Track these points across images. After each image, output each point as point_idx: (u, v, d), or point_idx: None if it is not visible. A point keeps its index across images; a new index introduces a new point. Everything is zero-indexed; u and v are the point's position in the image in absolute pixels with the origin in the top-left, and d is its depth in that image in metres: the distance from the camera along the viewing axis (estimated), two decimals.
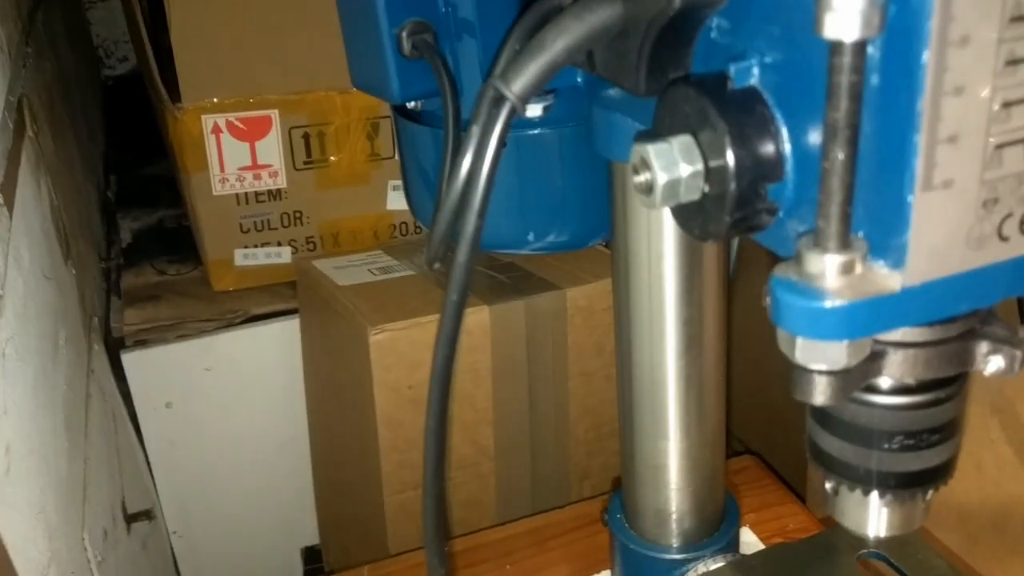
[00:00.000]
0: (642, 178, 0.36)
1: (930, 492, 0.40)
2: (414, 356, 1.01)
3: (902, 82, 0.30)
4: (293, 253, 1.25)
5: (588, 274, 1.07)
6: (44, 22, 1.33)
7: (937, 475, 0.39)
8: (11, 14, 1.11)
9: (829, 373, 0.34)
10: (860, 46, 0.29)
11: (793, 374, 0.34)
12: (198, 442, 1.27)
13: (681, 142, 0.36)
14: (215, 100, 1.15)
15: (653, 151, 0.36)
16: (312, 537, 1.36)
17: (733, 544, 0.61)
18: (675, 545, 0.60)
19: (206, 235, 1.22)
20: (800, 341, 0.33)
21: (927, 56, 0.29)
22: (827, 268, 0.32)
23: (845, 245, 0.32)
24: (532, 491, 1.11)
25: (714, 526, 0.60)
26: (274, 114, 1.17)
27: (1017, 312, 0.65)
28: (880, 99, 0.31)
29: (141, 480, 1.24)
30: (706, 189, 0.36)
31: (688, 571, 0.58)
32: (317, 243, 1.25)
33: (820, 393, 0.34)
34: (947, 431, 0.38)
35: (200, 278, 1.28)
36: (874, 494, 0.40)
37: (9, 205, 0.87)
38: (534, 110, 0.51)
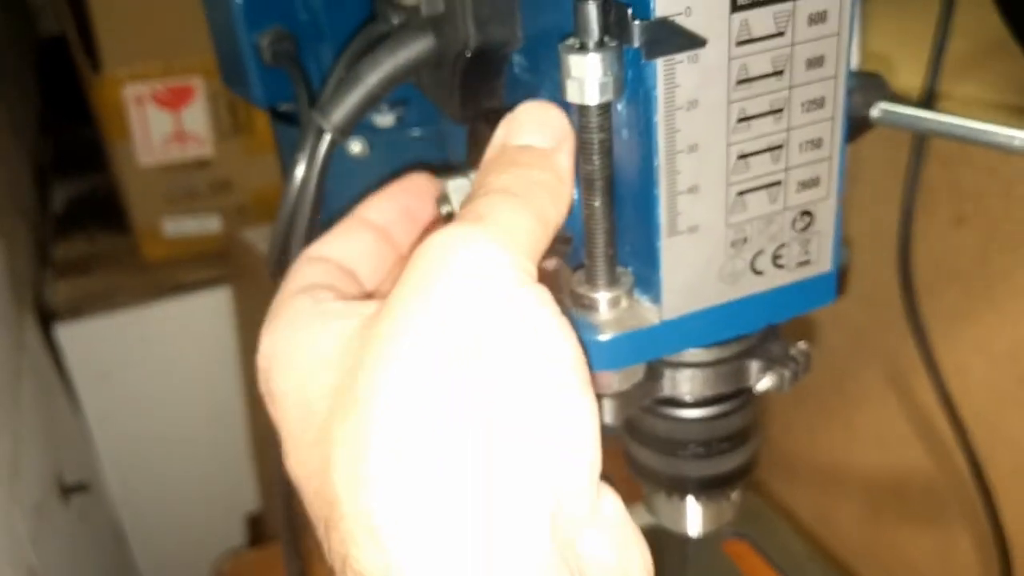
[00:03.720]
0: (444, 209, 0.40)
1: (734, 492, 0.44)
2: None
3: (641, 141, 0.33)
4: (222, 222, 1.28)
5: None
6: None
7: (734, 477, 0.43)
8: None
9: (608, 396, 0.38)
10: (603, 107, 0.33)
11: None
12: (137, 411, 1.32)
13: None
14: (138, 68, 1.18)
15: (451, 187, 0.40)
16: (253, 502, 1.41)
17: None
18: None
19: (133, 205, 1.26)
20: None
21: (657, 119, 0.33)
22: (597, 303, 0.36)
23: (612, 282, 0.36)
24: None
25: None
26: (198, 81, 1.20)
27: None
28: (628, 153, 0.34)
29: (80, 453, 1.29)
30: None
31: None
32: (247, 211, 1.29)
33: (606, 415, 0.39)
34: (738, 439, 0.43)
35: (131, 247, 1.32)
36: (685, 497, 0.44)
37: None
38: (386, 120, 0.55)
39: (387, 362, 0.29)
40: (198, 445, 1.36)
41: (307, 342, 0.33)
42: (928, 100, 0.70)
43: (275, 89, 0.57)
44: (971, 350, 0.72)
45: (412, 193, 0.41)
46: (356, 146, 0.56)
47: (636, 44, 0.31)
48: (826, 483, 0.92)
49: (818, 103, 0.35)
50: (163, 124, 1.21)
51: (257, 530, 1.41)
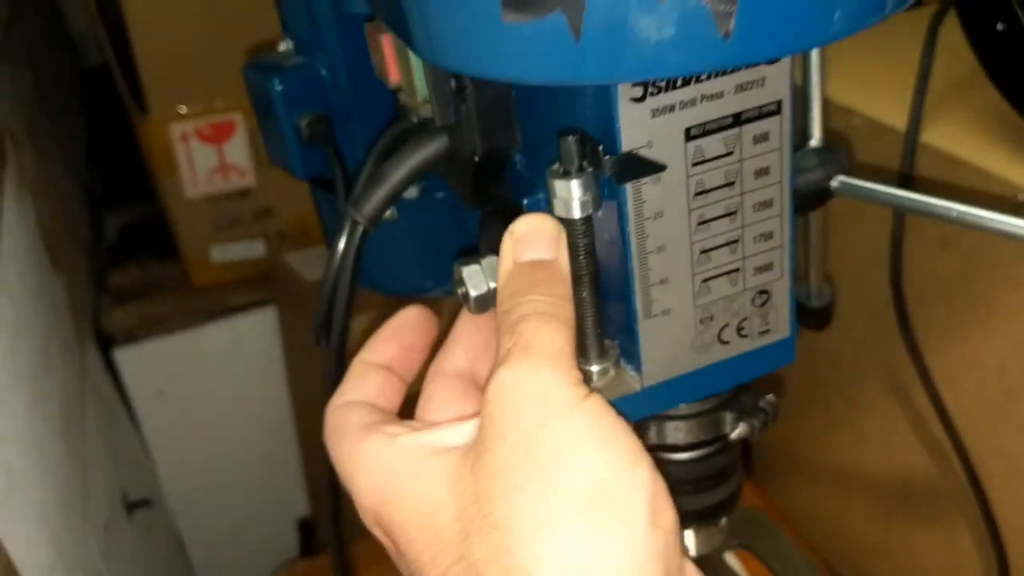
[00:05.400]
0: (461, 290, 0.48)
1: (722, 520, 0.52)
2: None
3: (617, 245, 0.41)
4: (267, 246, 1.37)
5: None
6: (20, 35, 1.44)
7: (720, 508, 0.51)
8: None
9: None
10: (585, 220, 0.41)
11: None
12: (192, 427, 1.41)
13: (489, 263, 0.47)
14: (182, 109, 1.26)
15: (466, 272, 0.47)
16: (305, 508, 1.50)
17: None
18: None
19: (182, 235, 1.35)
20: None
21: (630, 228, 0.40)
22: (591, 375, 0.44)
23: (601, 355, 0.44)
24: None
25: None
26: (238, 117, 1.28)
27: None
28: (608, 254, 0.42)
29: (141, 469, 1.38)
30: None
31: None
32: (288, 236, 1.37)
33: None
34: (721, 477, 0.50)
35: (181, 274, 1.41)
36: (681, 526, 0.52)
37: None
38: (411, 193, 0.62)
39: (506, 491, 0.37)
40: (250, 456, 1.45)
41: (412, 478, 0.40)
42: (912, 133, 0.77)
43: (313, 164, 0.65)
44: (961, 364, 0.79)
45: (405, 331, 0.50)
46: (387, 213, 0.63)
47: (607, 173, 0.38)
48: (838, 486, 0.99)
49: (767, 204, 0.42)
50: (207, 158, 1.30)
51: (309, 534, 1.50)
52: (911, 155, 0.77)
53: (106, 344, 1.35)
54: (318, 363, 1.29)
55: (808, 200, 0.50)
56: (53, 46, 1.74)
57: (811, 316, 0.66)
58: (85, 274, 1.41)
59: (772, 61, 0.38)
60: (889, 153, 0.79)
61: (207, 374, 1.39)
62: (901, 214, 0.77)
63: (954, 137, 0.76)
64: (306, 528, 1.51)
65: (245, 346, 1.39)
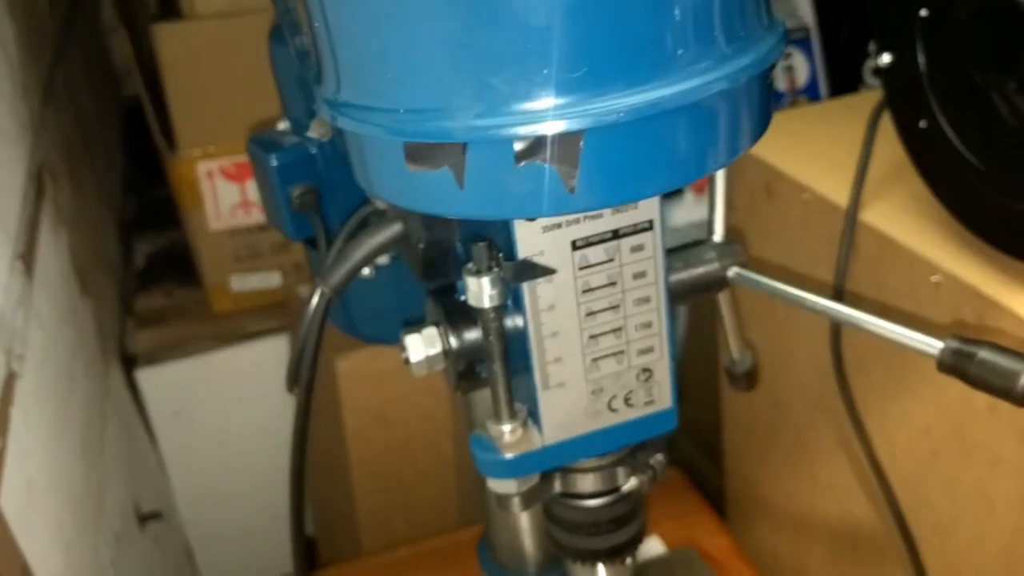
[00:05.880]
0: (403, 356, 0.58)
1: (628, 559, 0.61)
2: (376, 380, 1.23)
3: (520, 329, 0.50)
4: (283, 277, 1.48)
5: None
6: (64, 72, 1.56)
7: (624, 548, 0.60)
8: (33, 84, 1.33)
9: (514, 495, 0.55)
10: (496, 308, 0.50)
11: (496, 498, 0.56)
12: (206, 446, 1.52)
13: (428, 333, 0.57)
14: (209, 148, 1.38)
15: (408, 340, 0.57)
16: (309, 528, 1.60)
17: None
18: (529, 572, 0.82)
19: (205, 264, 1.46)
20: (489, 480, 0.54)
21: (528, 316, 0.50)
22: (500, 433, 0.53)
23: (511, 416, 0.53)
24: None
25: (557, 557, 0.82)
26: None
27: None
28: (514, 335, 0.51)
29: (155, 483, 1.49)
30: (445, 363, 0.57)
31: None
32: (303, 269, 1.48)
33: (514, 507, 0.56)
34: (623, 520, 0.59)
35: (202, 300, 1.52)
36: (587, 563, 0.61)
37: (29, 270, 1.10)
38: (383, 260, 0.72)
39: None
40: (259, 476, 1.55)
41: None
42: (852, 217, 0.85)
43: (301, 228, 0.75)
44: (895, 425, 0.87)
45: None
46: (365, 271, 0.73)
47: (507, 276, 0.48)
48: (797, 530, 1.08)
49: (645, 299, 0.51)
50: (230, 194, 1.41)
51: (312, 552, 1.60)
52: (850, 231, 0.86)
53: (129, 364, 1.46)
54: (325, 394, 1.39)
55: (709, 286, 0.60)
56: (95, 79, 1.87)
57: (738, 380, 0.75)
58: (113, 298, 1.52)
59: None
60: (833, 228, 0.88)
61: (222, 396, 1.49)
62: (840, 283, 0.86)
63: (890, 216, 0.85)
64: (309, 546, 1.62)
65: (259, 370, 1.49)
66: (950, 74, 0.74)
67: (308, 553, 1.60)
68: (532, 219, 0.46)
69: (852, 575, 1.00)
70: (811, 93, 1.32)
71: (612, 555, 0.60)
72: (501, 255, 0.48)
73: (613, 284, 0.50)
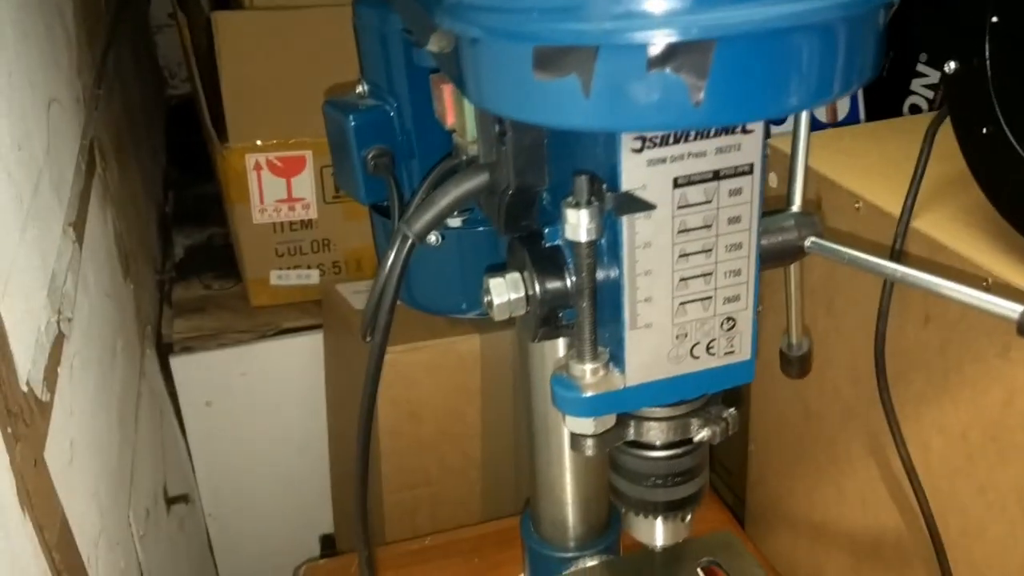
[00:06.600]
0: (487, 299, 0.58)
1: (688, 515, 0.61)
2: (412, 375, 1.23)
3: (613, 265, 0.51)
4: (321, 276, 1.48)
5: None
6: (115, 59, 1.58)
7: (687, 503, 0.60)
8: (87, 63, 1.35)
9: (589, 436, 0.55)
10: (590, 243, 0.51)
11: (571, 438, 0.56)
12: (233, 437, 1.52)
13: (512, 277, 0.57)
14: (258, 142, 1.39)
15: (492, 283, 0.57)
16: (329, 526, 1.60)
17: (614, 547, 0.82)
18: (569, 546, 0.81)
19: (246, 257, 1.46)
20: (568, 418, 0.54)
21: (624, 253, 0.50)
22: (583, 372, 0.54)
23: (594, 357, 0.54)
24: (514, 496, 1.33)
25: (599, 533, 0.82)
26: (308, 154, 1.41)
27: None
28: (605, 273, 0.52)
29: (182, 468, 1.49)
30: (527, 308, 0.57)
31: (573, 566, 0.79)
32: (342, 267, 1.49)
33: (587, 449, 0.56)
34: (688, 475, 0.59)
35: (240, 293, 1.53)
36: (649, 516, 0.61)
37: (80, 239, 1.11)
38: (455, 222, 0.73)
39: None
40: (283, 471, 1.55)
41: None
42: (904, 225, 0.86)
43: (374, 191, 0.76)
44: (932, 430, 0.87)
45: None
46: (432, 238, 0.74)
47: (609, 207, 0.49)
48: (819, 540, 1.07)
49: (737, 246, 0.52)
50: (276, 189, 1.42)
51: (330, 549, 1.59)
52: (902, 236, 0.87)
53: (165, 352, 1.47)
54: (354, 391, 1.40)
55: (784, 255, 0.60)
56: (142, 75, 1.89)
57: (792, 364, 0.75)
58: (152, 286, 1.53)
59: (743, 127, 0.48)
60: (884, 237, 0.88)
61: (253, 389, 1.49)
62: (889, 291, 0.87)
63: (940, 225, 0.86)
64: (328, 543, 1.61)
65: (291, 366, 1.49)
66: (1017, 80, 0.75)
67: (329, 550, 1.60)
68: (650, 134, 0.46)
69: None
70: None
71: (673, 509, 0.60)
72: (605, 185, 0.48)
73: (708, 227, 0.50)
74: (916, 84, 1.32)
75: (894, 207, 0.88)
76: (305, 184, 1.42)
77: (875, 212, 0.91)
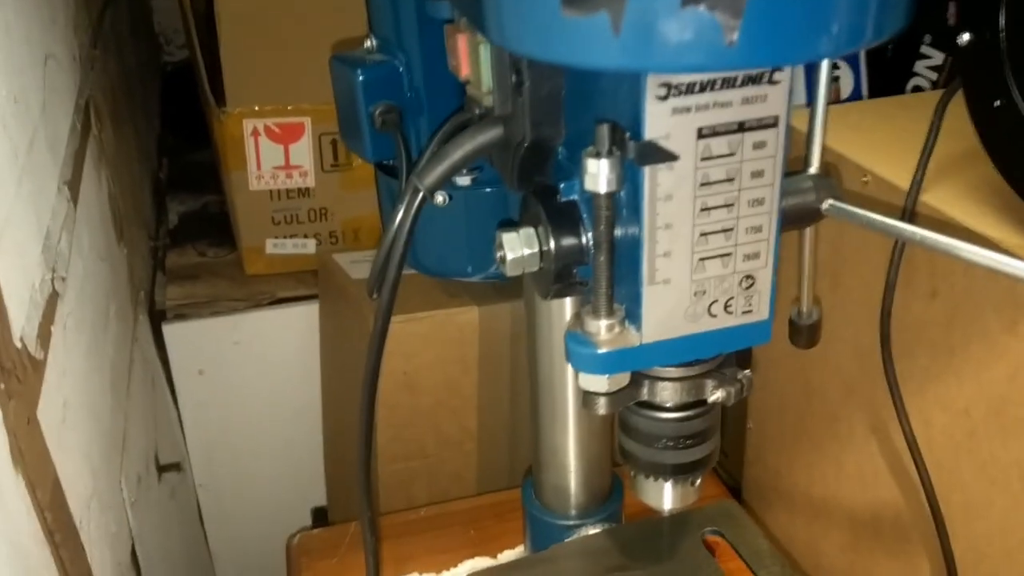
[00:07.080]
0: (499, 254, 0.57)
1: (698, 478, 0.60)
2: (409, 346, 1.22)
3: (632, 218, 0.50)
4: (317, 245, 1.46)
5: None
6: (111, 21, 1.55)
7: (697, 467, 0.59)
8: (83, 22, 1.33)
9: (602, 394, 0.54)
10: (610, 195, 0.49)
11: (583, 396, 0.55)
12: (225, 406, 1.50)
13: (526, 232, 0.56)
14: (256, 107, 1.37)
15: (505, 238, 0.56)
16: (321, 498, 1.58)
17: (616, 516, 0.81)
18: (571, 514, 0.80)
19: (242, 225, 1.45)
20: (581, 375, 0.53)
21: (644, 205, 0.49)
22: (598, 328, 0.52)
23: (610, 313, 0.52)
24: (510, 470, 1.32)
25: (601, 501, 0.80)
26: (307, 121, 1.39)
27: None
28: (624, 227, 0.50)
29: (173, 436, 1.47)
30: (541, 264, 0.56)
31: (574, 534, 0.78)
32: (339, 237, 1.47)
33: (599, 407, 0.55)
34: (699, 437, 0.58)
35: (235, 261, 1.51)
36: (658, 479, 0.60)
37: (74, 199, 1.09)
38: (464, 180, 0.71)
39: None
40: (276, 441, 1.53)
41: None
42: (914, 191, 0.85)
43: (381, 149, 0.74)
44: (935, 406, 0.86)
45: None
46: (439, 198, 0.72)
47: (631, 156, 0.47)
48: (817, 515, 1.07)
49: (759, 201, 0.50)
50: (274, 155, 1.40)
51: (321, 523, 1.58)
52: (910, 211, 0.86)
53: (157, 319, 1.45)
54: (350, 363, 1.39)
55: (802, 216, 0.59)
56: (139, 40, 1.86)
57: (801, 333, 0.74)
58: (145, 252, 1.51)
59: (771, 77, 0.47)
60: (892, 210, 0.87)
61: (246, 358, 1.48)
62: (897, 264, 0.86)
63: (949, 200, 0.85)
64: (320, 516, 1.59)
65: (285, 336, 1.48)
66: None
67: (321, 523, 1.58)
68: (676, 80, 0.45)
69: (871, 559, 0.99)
70: None
71: (683, 472, 0.59)
72: (628, 134, 0.47)
73: (731, 180, 0.49)
74: (919, 65, 1.30)
75: (902, 181, 0.87)
76: (303, 151, 1.41)
77: (883, 185, 0.90)
